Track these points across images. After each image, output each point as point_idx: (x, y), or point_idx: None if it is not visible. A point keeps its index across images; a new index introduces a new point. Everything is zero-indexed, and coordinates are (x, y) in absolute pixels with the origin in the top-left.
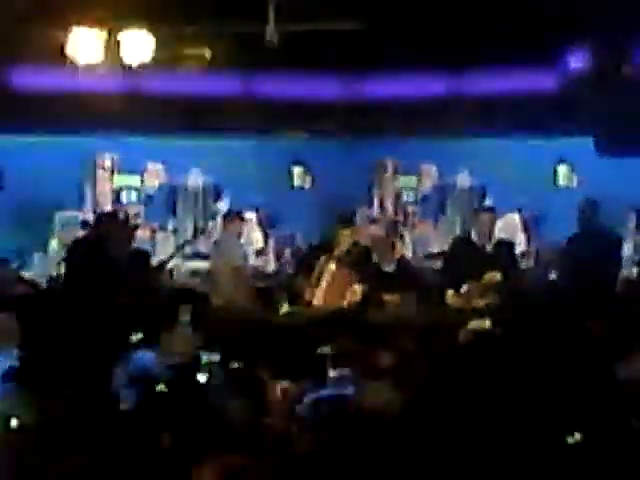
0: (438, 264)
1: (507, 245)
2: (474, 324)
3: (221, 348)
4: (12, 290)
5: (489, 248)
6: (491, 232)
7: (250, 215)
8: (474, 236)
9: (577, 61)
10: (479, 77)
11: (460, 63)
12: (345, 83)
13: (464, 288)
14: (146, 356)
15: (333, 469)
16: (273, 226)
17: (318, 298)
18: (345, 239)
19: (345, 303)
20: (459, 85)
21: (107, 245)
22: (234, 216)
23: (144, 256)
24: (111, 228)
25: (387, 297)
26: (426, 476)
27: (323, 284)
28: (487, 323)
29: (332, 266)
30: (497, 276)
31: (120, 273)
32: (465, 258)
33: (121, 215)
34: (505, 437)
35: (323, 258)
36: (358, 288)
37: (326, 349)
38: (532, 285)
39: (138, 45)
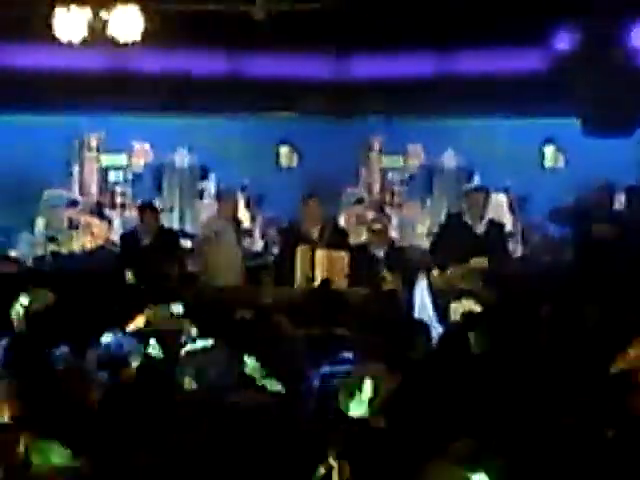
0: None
1: (498, 226)
2: (460, 305)
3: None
4: None
5: (480, 229)
6: (483, 212)
7: (237, 194)
8: (466, 217)
9: (564, 42)
10: (466, 57)
11: (447, 43)
12: (332, 63)
13: (449, 270)
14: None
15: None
16: (259, 206)
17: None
18: (312, 210)
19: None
20: (446, 65)
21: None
22: (229, 196)
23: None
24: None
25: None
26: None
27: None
28: (472, 304)
29: (321, 253)
30: (484, 262)
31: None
32: (455, 238)
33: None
34: (493, 420)
35: (304, 247)
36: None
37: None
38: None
39: (126, 23)
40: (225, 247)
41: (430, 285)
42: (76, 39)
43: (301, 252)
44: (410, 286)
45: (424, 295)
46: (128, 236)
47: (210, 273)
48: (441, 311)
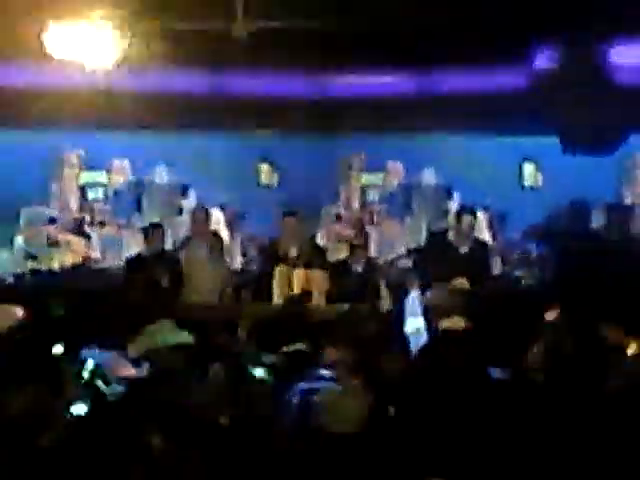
0: (407, 263)
1: (482, 246)
2: (447, 322)
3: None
4: None
5: (465, 249)
6: (471, 233)
7: (217, 213)
8: (450, 235)
9: (544, 60)
10: (446, 76)
11: (427, 61)
12: (313, 81)
13: (434, 288)
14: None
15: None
16: (239, 224)
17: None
18: (290, 228)
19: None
20: (426, 83)
21: None
22: (201, 212)
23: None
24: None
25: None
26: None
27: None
28: (460, 322)
29: (299, 272)
30: (465, 284)
31: None
32: (439, 257)
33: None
34: (475, 435)
35: (283, 266)
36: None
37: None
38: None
39: (108, 41)
40: (197, 262)
41: (421, 302)
42: (58, 57)
43: (279, 271)
44: (395, 302)
45: (414, 312)
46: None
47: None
48: (432, 328)
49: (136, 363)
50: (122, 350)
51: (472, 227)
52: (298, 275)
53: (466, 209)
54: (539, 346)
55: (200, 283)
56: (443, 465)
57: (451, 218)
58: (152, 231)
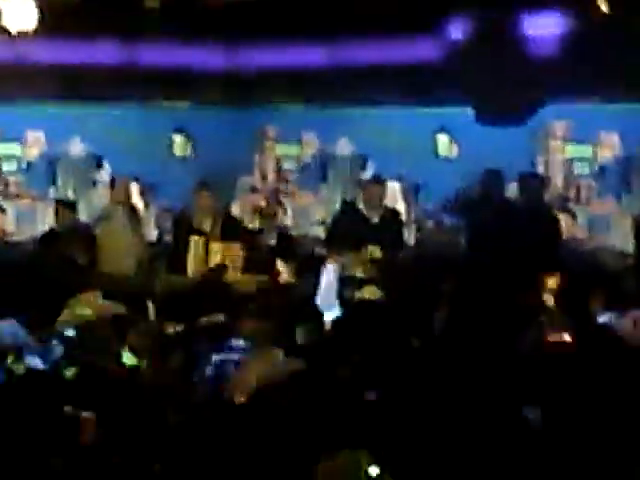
0: (321, 234)
1: (393, 214)
2: (362, 292)
3: None
4: None
5: (375, 218)
6: (379, 203)
7: (132, 184)
8: (361, 205)
9: (457, 31)
10: (360, 46)
11: (341, 31)
12: (226, 51)
13: (346, 258)
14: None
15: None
16: (154, 195)
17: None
18: (203, 201)
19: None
20: (340, 54)
21: None
22: (121, 181)
23: None
24: None
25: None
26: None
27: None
28: (374, 292)
29: (214, 244)
30: (377, 252)
31: None
32: (350, 227)
33: None
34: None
35: (197, 238)
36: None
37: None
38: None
39: (20, 12)
40: (116, 233)
41: (336, 273)
42: None
43: (194, 243)
44: (309, 274)
45: (331, 283)
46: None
47: (101, 260)
48: (346, 299)
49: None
50: (38, 324)
51: (381, 196)
52: (213, 248)
53: (375, 178)
54: (442, 313)
55: (118, 254)
56: (359, 436)
57: (361, 188)
58: (62, 209)
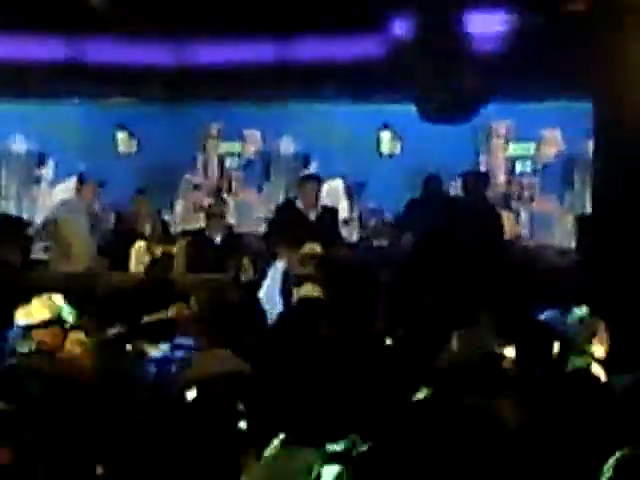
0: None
1: (331, 212)
2: (302, 290)
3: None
4: None
5: (312, 215)
6: (316, 200)
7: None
8: (299, 203)
9: (401, 28)
10: (304, 43)
11: (284, 29)
12: (170, 49)
13: (284, 255)
14: None
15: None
16: (98, 193)
17: None
18: (140, 207)
19: None
20: (283, 51)
21: None
22: (90, 181)
23: None
24: None
25: None
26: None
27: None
28: (312, 289)
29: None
30: (317, 248)
31: None
32: (288, 224)
33: None
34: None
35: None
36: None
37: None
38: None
39: None
40: (79, 230)
41: (276, 270)
42: None
43: (137, 248)
44: (253, 271)
45: (275, 281)
46: None
47: (60, 256)
48: (287, 296)
49: None
50: None
51: (316, 194)
52: (154, 251)
53: (309, 176)
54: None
55: (75, 251)
56: (305, 428)
57: (298, 185)
58: None
